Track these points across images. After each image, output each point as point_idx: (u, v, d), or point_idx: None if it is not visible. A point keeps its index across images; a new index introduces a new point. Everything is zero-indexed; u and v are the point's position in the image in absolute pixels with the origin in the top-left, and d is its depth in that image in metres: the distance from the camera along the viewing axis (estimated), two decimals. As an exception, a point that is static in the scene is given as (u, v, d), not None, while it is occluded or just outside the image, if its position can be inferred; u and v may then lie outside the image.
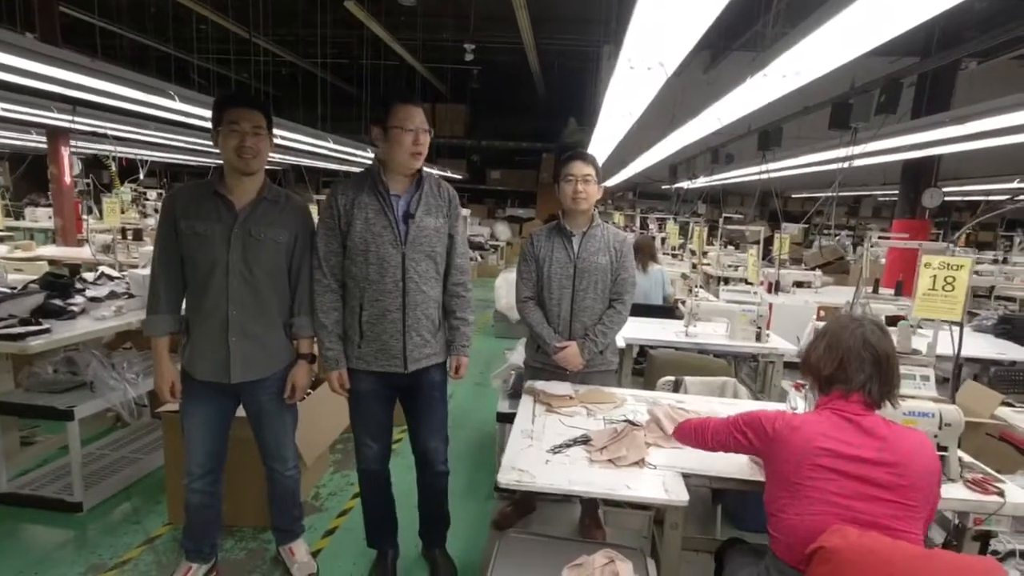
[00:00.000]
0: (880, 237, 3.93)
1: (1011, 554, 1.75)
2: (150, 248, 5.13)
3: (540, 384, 2.35)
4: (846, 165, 3.65)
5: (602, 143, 4.88)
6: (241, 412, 2.13)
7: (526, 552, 1.64)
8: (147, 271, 3.60)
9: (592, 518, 2.64)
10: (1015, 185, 6.59)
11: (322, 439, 2.77)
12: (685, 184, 8.37)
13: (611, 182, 12.80)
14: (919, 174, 6.03)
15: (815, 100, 3.88)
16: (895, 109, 3.34)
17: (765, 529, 1.60)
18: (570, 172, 2.32)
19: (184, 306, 2.03)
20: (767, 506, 1.44)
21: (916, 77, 5.29)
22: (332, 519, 2.71)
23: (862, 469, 1.31)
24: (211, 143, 6.92)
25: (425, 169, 2.05)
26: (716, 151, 6.61)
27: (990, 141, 3.67)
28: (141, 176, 8.89)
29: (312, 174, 12.99)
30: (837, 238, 8.67)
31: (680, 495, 1.58)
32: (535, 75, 11.81)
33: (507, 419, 3.00)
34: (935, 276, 1.98)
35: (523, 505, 2.74)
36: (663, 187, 11.13)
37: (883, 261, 5.57)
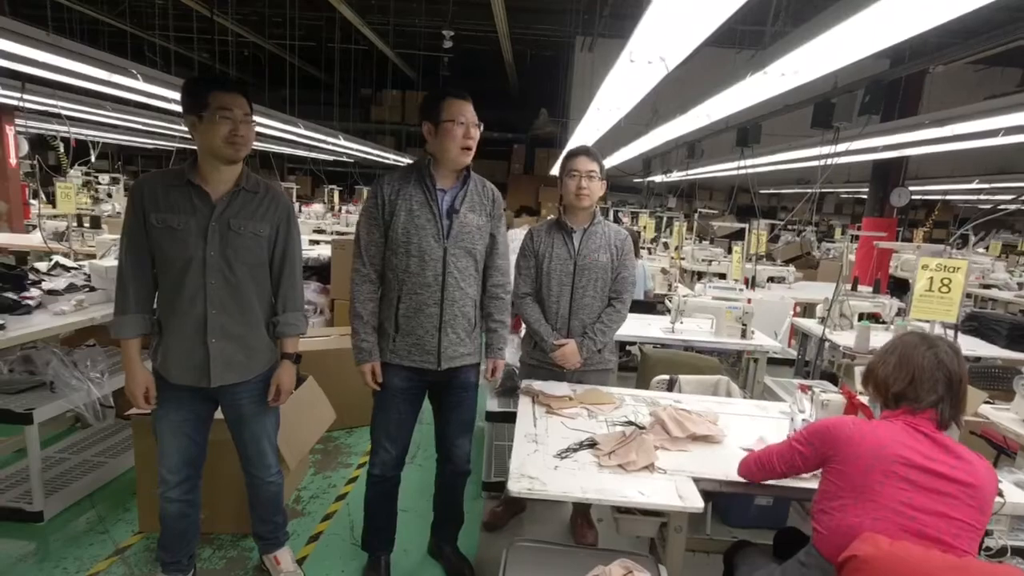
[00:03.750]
0: (854, 235, 4.04)
1: (1003, 551, 1.79)
2: (108, 236, 4.85)
3: (538, 384, 2.30)
4: (830, 162, 3.71)
5: (585, 136, 4.83)
6: (219, 414, 2.00)
7: (537, 563, 1.59)
8: (108, 262, 3.39)
9: (584, 518, 2.62)
10: (975, 185, 6.90)
11: (305, 441, 2.65)
12: (659, 178, 8.43)
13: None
14: (888, 174, 6.23)
15: (796, 99, 3.92)
16: (879, 110, 3.40)
17: (753, 525, 1.60)
18: (574, 168, 2.26)
19: (156, 305, 1.88)
20: (817, 504, 1.42)
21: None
22: (316, 524, 2.60)
23: (936, 483, 1.30)
24: (171, 125, 6.61)
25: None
26: (692, 146, 6.66)
27: (961, 144, 3.79)
28: (92, 159, 8.41)
29: (278, 160, 12.59)
30: (803, 234, 8.90)
31: (695, 501, 1.55)
32: (508, 65, 11.69)
33: (497, 418, 2.96)
34: (932, 278, 2.02)
35: (513, 505, 2.69)
36: (635, 180, 11.19)
37: (852, 258, 5.73)
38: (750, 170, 5.17)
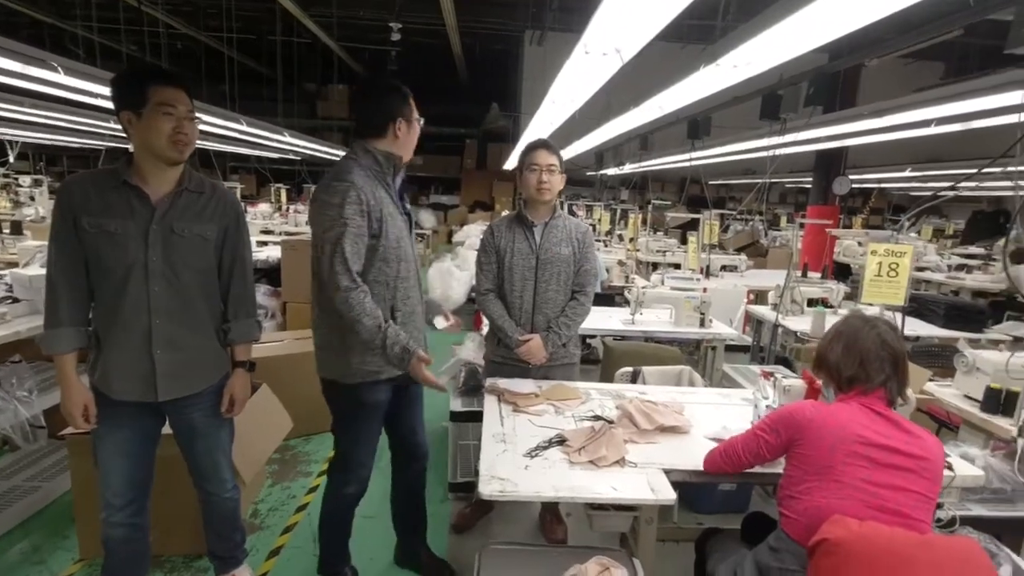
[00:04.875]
0: (803, 223, 4.18)
1: (953, 521, 1.87)
2: (32, 243, 4.49)
3: (503, 382, 2.27)
4: (778, 153, 3.82)
5: (539, 130, 4.81)
6: (166, 428, 1.87)
7: (511, 565, 1.55)
8: (33, 271, 3.13)
9: (553, 514, 2.61)
10: (907, 173, 7.29)
11: (261, 452, 2.53)
12: (612, 171, 8.51)
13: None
14: (830, 163, 6.51)
15: (744, 91, 4.01)
16: (823, 101, 3.53)
17: (719, 511, 1.62)
18: (534, 161, 2.23)
19: (92, 316, 1.73)
20: (783, 490, 1.46)
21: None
22: (276, 538, 2.49)
23: (893, 458, 1.35)
24: (99, 123, 6.19)
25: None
26: (645, 138, 6.76)
27: (897, 133, 3.98)
28: (11, 159, 7.82)
29: (219, 159, 12.04)
30: (751, 223, 9.19)
31: (667, 493, 1.55)
32: (457, 58, 11.56)
33: (461, 418, 2.91)
34: (880, 263, 2.09)
35: (482, 505, 2.65)
36: (588, 174, 11.29)
37: (798, 245, 5.94)
38: (701, 161, 5.27)
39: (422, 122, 1.94)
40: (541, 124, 4.58)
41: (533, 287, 2.30)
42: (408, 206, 1.96)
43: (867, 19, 1.88)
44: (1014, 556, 1.67)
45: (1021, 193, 2.35)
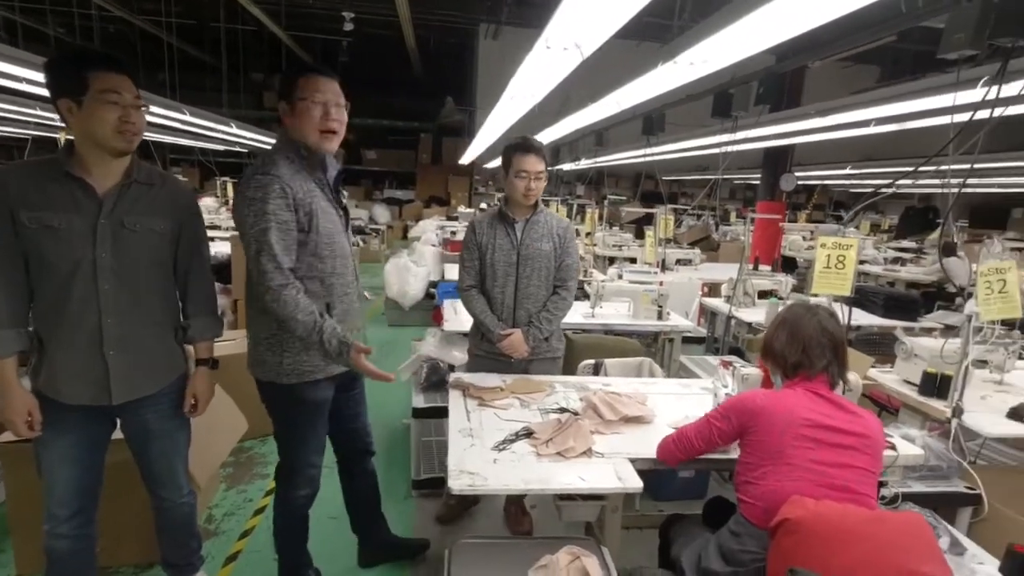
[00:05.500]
0: (756, 217, 4.35)
1: (896, 498, 1.99)
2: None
3: (468, 377, 2.26)
4: (730, 150, 3.95)
5: (497, 125, 4.80)
6: (117, 433, 1.78)
7: (483, 559, 1.55)
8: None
9: (518, 506, 2.62)
10: (848, 171, 7.68)
11: (215, 456, 2.44)
12: (568, 166, 8.58)
13: (491, 164, 12.84)
14: (778, 160, 6.78)
15: (697, 89, 4.12)
16: (773, 100, 3.67)
17: (678, 497, 1.69)
18: (523, 168, 2.23)
19: (32, 316, 1.62)
20: (740, 476, 1.52)
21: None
22: (233, 543, 2.40)
23: (836, 438, 1.44)
24: (24, 110, 5.78)
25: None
26: (600, 134, 6.85)
27: (842, 132, 4.18)
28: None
29: (159, 150, 11.48)
30: (703, 217, 9.48)
31: (634, 481, 1.58)
32: (411, 51, 11.38)
33: (424, 415, 2.88)
34: (829, 255, 2.20)
35: (466, 498, 2.66)
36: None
37: (742, 238, 6.14)
38: (656, 157, 5.38)
39: (327, 102, 1.70)
40: (499, 120, 4.57)
41: (515, 282, 2.32)
42: (345, 200, 1.90)
43: (814, 22, 1.97)
44: (951, 528, 1.79)
45: (952, 191, 2.51)
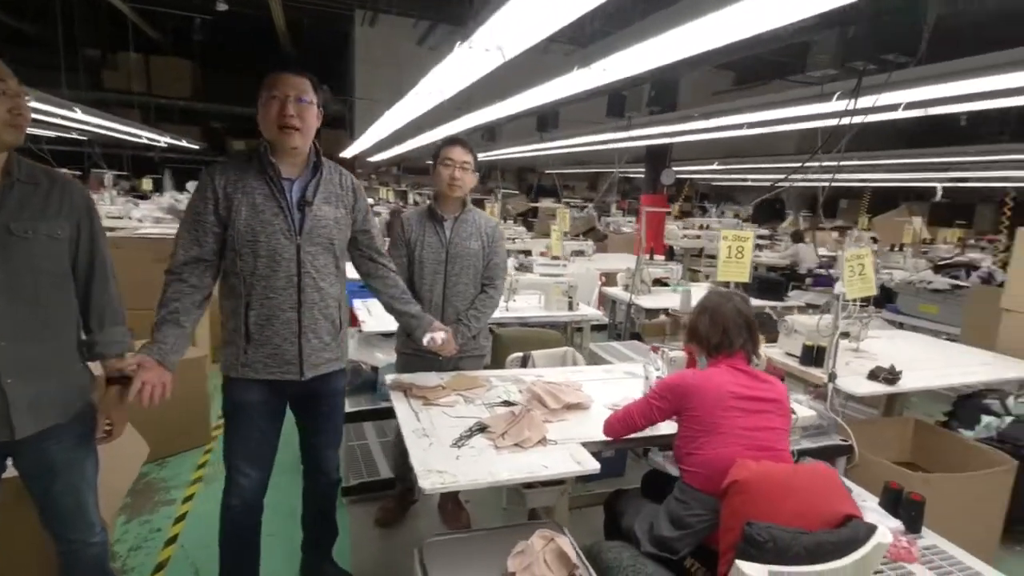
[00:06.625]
0: (647, 210, 4.72)
1: (794, 454, 2.30)
2: None
3: (408, 377, 2.24)
4: (626, 146, 4.22)
5: (393, 120, 4.69)
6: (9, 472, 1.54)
7: (457, 555, 1.57)
8: None
9: (455, 502, 2.66)
10: (714, 167, 8.54)
11: (121, 485, 2.18)
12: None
13: (377, 157, 12.45)
14: (658, 157, 7.35)
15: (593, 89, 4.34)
16: (665, 103, 3.99)
17: (602, 477, 1.86)
18: (449, 156, 2.25)
19: None
20: (680, 449, 1.69)
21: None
22: (146, 579, 2.18)
23: (757, 405, 1.65)
24: None
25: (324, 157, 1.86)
26: (492, 130, 6.94)
27: (715, 133, 4.66)
28: None
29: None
30: (586, 209, 9.98)
31: (591, 464, 1.69)
32: (281, 34, 10.66)
33: (351, 419, 2.78)
34: (730, 247, 2.47)
35: (404, 498, 2.64)
36: (429, 163, 11.26)
37: (625, 229, 6.59)
38: (549, 151, 5.57)
39: (286, 97, 1.67)
40: (398, 114, 4.48)
41: (443, 280, 2.32)
42: (299, 202, 1.75)
43: (720, 42, 2.19)
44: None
45: (823, 184, 2.93)
